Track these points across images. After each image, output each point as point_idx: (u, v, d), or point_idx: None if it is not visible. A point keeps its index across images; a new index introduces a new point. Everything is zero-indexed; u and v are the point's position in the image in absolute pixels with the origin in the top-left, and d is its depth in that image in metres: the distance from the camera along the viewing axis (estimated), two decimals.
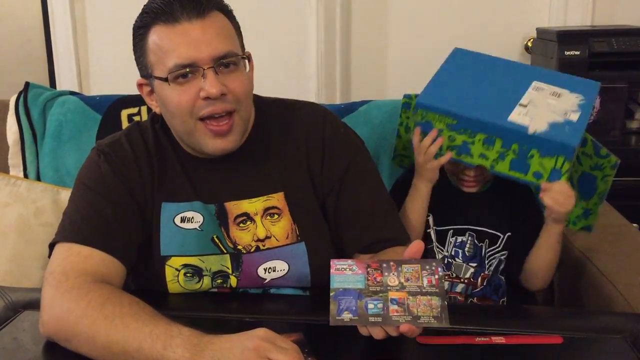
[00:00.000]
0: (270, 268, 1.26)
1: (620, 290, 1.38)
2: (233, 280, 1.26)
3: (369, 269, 1.01)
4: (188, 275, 1.25)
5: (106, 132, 1.71)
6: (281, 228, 1.26)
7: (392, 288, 0.99)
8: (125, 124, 1.74)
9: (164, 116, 1.24)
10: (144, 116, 1.73)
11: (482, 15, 2.67)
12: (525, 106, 1.36)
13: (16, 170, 1.77)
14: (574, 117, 1.34)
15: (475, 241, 1.48)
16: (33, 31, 2.92)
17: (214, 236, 1.25)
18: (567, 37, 2.36)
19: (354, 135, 1.36)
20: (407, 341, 1.07)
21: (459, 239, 1.48)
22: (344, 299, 0.98)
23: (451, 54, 1.50)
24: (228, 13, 1.21)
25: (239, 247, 1.26)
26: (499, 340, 1.07)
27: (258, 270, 1.26)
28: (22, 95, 1.79)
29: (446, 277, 1.44)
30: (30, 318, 1.16)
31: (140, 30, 1.18)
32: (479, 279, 1.47)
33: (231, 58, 1.17)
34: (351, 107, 1.77)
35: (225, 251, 1.25)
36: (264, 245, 1.25)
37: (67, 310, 1.04)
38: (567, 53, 2.32)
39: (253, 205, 1.26)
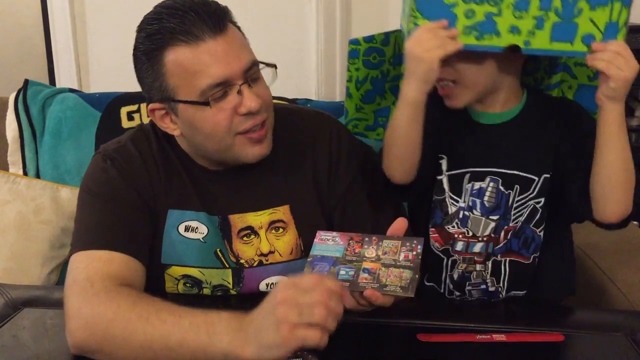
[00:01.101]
0: (272, 284, 1.24)
1: (621, 288, 1.39)
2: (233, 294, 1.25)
3: (350, 241, 1.05)
4: (187, 285, 1.24)
5: (106, 130, 1.72)
6: (286, 243, 1.24)
7: (368, 259, 1.02)
8: (124, 121, 1.73)
9: (190, 137, 1.19)
10: (144, 113, 1.73)
11: None
12: None
13: (15, 167, 1.77)
14: None
15: (501, 187, 1.18)
16: (32, 28, 2.91)
17: (217, 250, 1.23)
18: None
19: (360, 146, 1.33)
20: (407, 339, 1.07)
21: (477, 185, 1.20)
22: (319, 265, 1.02)
23: None
24: (235, 23, 1.18)
25: (242, 260, 1.23)
26: (499, 337, 1.06)
27: (260, 286, 1.25)
28: (21, 93, 1.78)
29: (460, 236, 1.23)
30: (30, 315, 1.16)
31: (152, 53, 1.12)
32: (502, 234, 1.20)
33: (256, 68, 1.15)
34: None
35: (227, 266, 1.23)
36: (267, 260, 1.24)
37: (97, 316, 1.00)
38: None
39: (258, 219, 1.23)
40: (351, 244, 1.05)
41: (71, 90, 1.84)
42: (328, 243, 1.06)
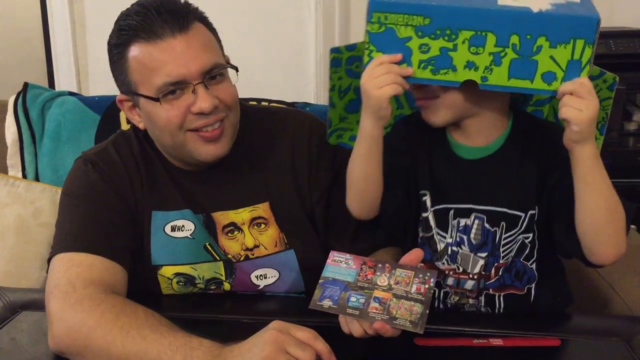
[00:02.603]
0: (262, 275, 1.26)
1: (618, 292, 1.39)
2: (227, 287, 1.26)
3: (363, 266, 1.04)
4: (180, 283, 1.25)
5: (105, 133, 1.72)
6: (269, 237, 1.25)
7: (380, 287, 1.01)
8: (124, 124, 1.74)
9: (150, 131, 1.22)
10: None
11: None
12: None
13: (15, 170, 1.77)
14: (576, 0, 1.03)
15: (486, 225, 1.13)
16: (32, 31, 2.92)
17: (207, 243, 1.24)
18: None
19: None
20: (404, 342, 1.07)
21: (462, 221, 1.14)
22: (330, 288, 1.01)
23: None
24: (206, 22, 1.19)
25: (229, 256, 1.25)
26: (496, 342, 1.07)
27: (251, 277, 1.26)
28: (20, 96, 1.79)
29: (451, 272, 1.17)
30: (29, 319, 1.16)
31: (118, 48, 1.16)
32: (492, 270, 1.15)
33: (219, 70, 1.16)
34: None
35: (218, 258, 1.25)
36: (252, 254, 1.25)
37: (79, 322, 1.01)
38: None
39: (239, 216, 1.25)
40: (364, 269, 1.03)
41: (70, 94, 1.84)
42: (340, 265, 1.04)
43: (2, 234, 1.64)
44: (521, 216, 1.12)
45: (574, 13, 0.99)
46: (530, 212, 1.12)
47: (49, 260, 1.15)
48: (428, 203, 1.15)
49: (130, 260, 1.18)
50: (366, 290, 1.00)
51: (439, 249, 1.17)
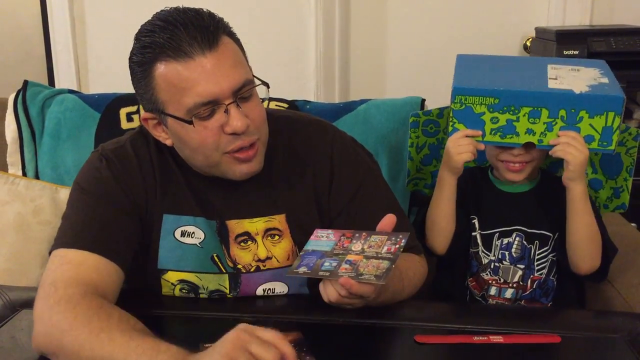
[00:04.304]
0: (269, 289, 1.25)
1: (619, 290, 1.39)
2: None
3: (342, 237, 1.11)
4: (184, 291, 1.23)
5: (105, 131, 1.72)
6: (282, 249, 1.23)
7: (353, 252, 1.06)
8: (124, 122, 1.73)
9: (180, 149, 1.19)
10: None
11: (480, 15, 2.67)
12: (555, 79, 1.35)
13: (15, 168, 1.77)
14: (604, 80, 1.35)
15: (524, 242, 1.40)
16: (32, 29, 2.91)
17: (214, 255, 1.22)
18: (566, 37, 2.36)
19: (363, 152, 1.33)
20: (405, 340, 1.07)
21: (505, 240, 1.41)
22: (308, 257, 1.08)
23: (458, 59, 1.47)
24: (233, 34, 1.15)
25: (239, 266, 1.23)
26: (497, 339, 1.07)
27: (257, 291, 1.25)
28: (20, 94, 1.78)
29: (493, 282, 1.41)
30: (29, 317, 1.15)
31: (143, 66, 1.11)
32: (529, 282, 1.40)
33: (249, 87, 1.13)
34: (350, 106, 1.77)
35: (224, 271, 1.23)
36: (264, 266, 1.23)
37: (54, 324, 1.00)
38: (565, 52, 2.32)
39: (254, 225, 1.23)
40: (342, 240, 1.09)
41: (70, 91, 1.84)
42: (321, 239, 1.10)
43: (2, 232, 1.64)
44: (550, 236, 1.41)
45: (606, 93, 1.29)
46: (558, 233, 1.40)
47: (50, 253, 1.13)
48: (477, 225, 1.44)
49: (131, 261, 1.16)
50: (340, 256, 1.06)
51: (483, 262, 1.42)
